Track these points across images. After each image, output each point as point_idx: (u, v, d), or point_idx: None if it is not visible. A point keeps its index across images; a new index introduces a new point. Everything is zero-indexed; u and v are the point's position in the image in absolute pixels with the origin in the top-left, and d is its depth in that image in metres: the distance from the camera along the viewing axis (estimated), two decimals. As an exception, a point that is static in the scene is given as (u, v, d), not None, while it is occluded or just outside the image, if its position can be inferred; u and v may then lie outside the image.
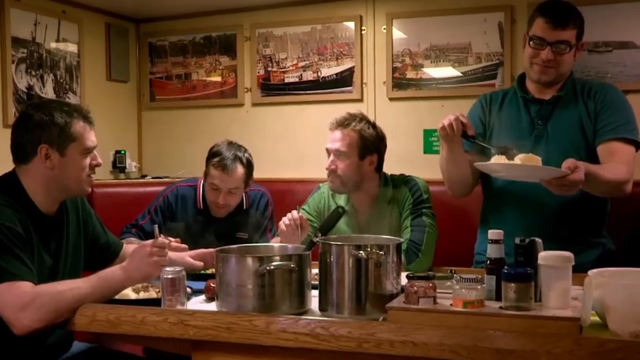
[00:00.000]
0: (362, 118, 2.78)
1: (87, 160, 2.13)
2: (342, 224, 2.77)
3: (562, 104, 2.50)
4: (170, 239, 2.38)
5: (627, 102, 2.52)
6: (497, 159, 2.16)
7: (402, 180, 2.77)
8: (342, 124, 2.74)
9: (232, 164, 2.96)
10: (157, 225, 2.11)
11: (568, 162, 2.09)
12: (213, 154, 3.02)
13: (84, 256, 2.27)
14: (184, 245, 2.45)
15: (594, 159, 2.40)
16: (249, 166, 3.04)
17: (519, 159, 2.10)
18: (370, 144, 2.73)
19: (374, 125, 2.79)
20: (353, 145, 2.71)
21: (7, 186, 2.08)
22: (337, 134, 2.73)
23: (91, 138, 2.14)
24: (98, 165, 2.18)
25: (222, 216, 3.07)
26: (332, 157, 2.73)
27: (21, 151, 2.09)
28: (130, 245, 2.43)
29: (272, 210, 3.22)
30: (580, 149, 2.43)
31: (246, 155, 3.05)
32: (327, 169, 2.72)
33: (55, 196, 2.14)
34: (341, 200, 2.82)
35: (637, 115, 2.49)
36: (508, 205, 2.53)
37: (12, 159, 2.13)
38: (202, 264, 2.42)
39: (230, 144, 3.06)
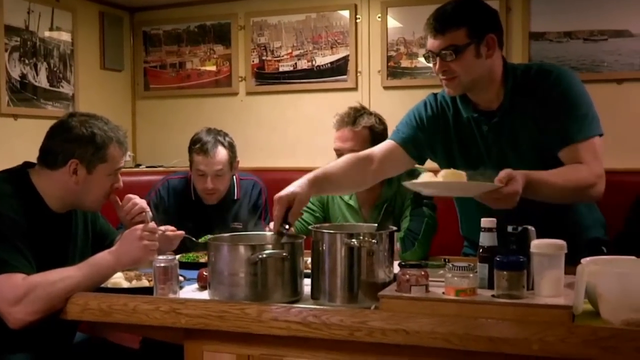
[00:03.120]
0: (370, 112, 2.74)
1: (110, 181, 2.15)
2: (348, 216, 2.77)
3: (510, 119, 2.19)
4: (168, 227, 2.37)
5: (579, 92, 2.15)
6: (424, 177, 1.94)
7: (406, 172, 2.58)
8: (352, 121, 2.69)
9: (213, 147, 2.99)
10: (148, 211, 2.11)
11: (502, 174, 1.85)
12: (194, 141, 3.06)
13: (92, 254, 2.27)
14: (180, 232, 2.43)
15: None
16: (231, 148, 3.06)
17: (441, 175, 1.89)
18: (380, 138, 2.68)
19: (380, 119, 2.76)
20: (366, 142, 2.66)
21: (16, 180, 2.08)
22: (347, 132, 2.69)
23: (121, 162, 2.17)
24: (118, 188, 2.19)
25: (214, 203, 3.07)
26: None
27: (50, 157, 2.10)
28: None
29: (266, 198, 3.22)
30: (547, 160, 2.13)
31: (227, 138, 3.08)
32: None
33: (67, 204, 2.15)
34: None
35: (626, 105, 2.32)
36: (462, 207, 2.44)
37: (37, 160, 2.13)
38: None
39: (209, 130, 3.09)
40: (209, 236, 2.62)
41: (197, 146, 3.01)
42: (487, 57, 2.14)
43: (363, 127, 2.69)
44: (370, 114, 2.75)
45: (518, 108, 2.18)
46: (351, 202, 2.77)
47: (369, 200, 2.73)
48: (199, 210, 3.08)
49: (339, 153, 2.71)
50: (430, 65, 2.21)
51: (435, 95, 2.39)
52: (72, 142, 2.08)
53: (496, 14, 2.23)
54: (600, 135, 2.14)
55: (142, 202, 2.28)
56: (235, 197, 3.15)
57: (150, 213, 2.24)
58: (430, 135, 2.34)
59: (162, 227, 2.33)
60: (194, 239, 2.60)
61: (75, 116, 2.15)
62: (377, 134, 2.70)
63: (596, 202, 2.30)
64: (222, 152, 3.01)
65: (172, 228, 2.41)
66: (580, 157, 2.08)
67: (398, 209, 2.70)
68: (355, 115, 2.71)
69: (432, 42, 2.14)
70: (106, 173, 2.13)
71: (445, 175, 1.88)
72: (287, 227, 1.92)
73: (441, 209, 2.69)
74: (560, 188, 2.00)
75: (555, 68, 2.27)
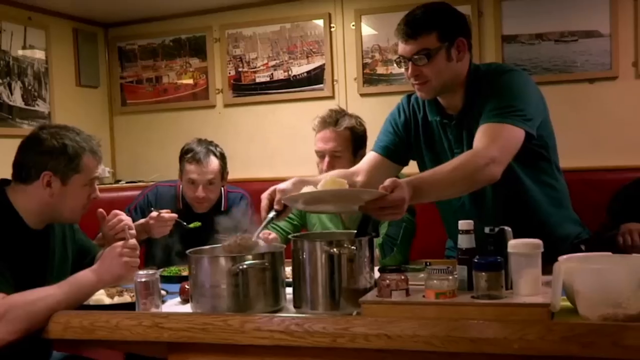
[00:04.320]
0: (350, 114, 2.78)
1: (87, 192, 2.13)
2: (327, 222, 2.77)
3: (468, 119, 2.20)
4: (162, 211, 2.65)
5: (520, 89, 2.13)
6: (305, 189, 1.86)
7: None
8: (334, 122, 2.72)
9: (205, 156, 3.01)
10: (127, 227, 2.12)
11: (387, 182, 1.81)
12: (186, 151, 3.08)
13: (72, 270, 2.25)
14: (174, 215, 2.67)
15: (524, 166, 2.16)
16: (222, 158, 3.09)
17: (320, 185, 1.85)
18: (360, 138, 2.74)
19: (360, 121, 2.79)
20: (348, 143, 2.70)
21: None
22: (329, 133, 2.71)
23: (96, 171, 2.15)
24: (96, 198, 2.18)
25: (203, 211, 3.06)
26: (327, 158, 2.69)
27: (24, 171, 2.08)
28: None
29: (253, 211, 3.22)
30: None
31: (218, 149, 3.11)
32: (324, 171, 2.60)
33: (45, 219, 2.13)
34: None
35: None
36: (443, 211, 2.46)
37: (12, 176, 2.11)
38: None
39: (200, 140, 3.12)
40: (199, 223, 2.85)
41: (190, 155, 3.03)
42: (457, 61, 2.17)
43: (345, 127, 2.72)
44: (351, 115, 2.79)
45: (474, 108, 2.19)
46: None
47: None
48: (185, 220, 3.07)
49: (321, 154, 2.73)
50: (404, 70, 2.23)
51: (409, 97, 2.42)
52: (44, 155, 2.06)
53: (465, 18, 2.26)
54: (527, 132, 2.06)
55: (128, 220, 2.29)
56: (222, 209, 3.15)
57: (134, 232, 2.24)
58: (405, 138, 2.38)
59: (162, 211, 2.64)
60: (184, 223, 2.78)
61: (46, 128, 2.14)
62: (357, 135, 2.74)
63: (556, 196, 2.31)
64: (214, 162, 3.03)
65: (167, 210, 2.65)
66: (484, 138, 2.03)
67: None
68: (336, 116, 2.74)
69: (403, 47, 2.16)
70: (81, 184, 2.11)
71: (324, 184, 1.85)
72: (274, 212, 1.95)
73: (421, 212, 2.70)
74: (448, 182, 1.97)
75: (509, 67, 2.32)
